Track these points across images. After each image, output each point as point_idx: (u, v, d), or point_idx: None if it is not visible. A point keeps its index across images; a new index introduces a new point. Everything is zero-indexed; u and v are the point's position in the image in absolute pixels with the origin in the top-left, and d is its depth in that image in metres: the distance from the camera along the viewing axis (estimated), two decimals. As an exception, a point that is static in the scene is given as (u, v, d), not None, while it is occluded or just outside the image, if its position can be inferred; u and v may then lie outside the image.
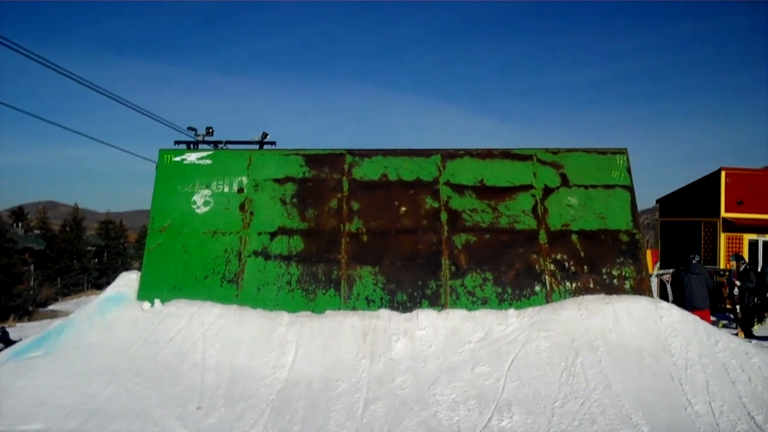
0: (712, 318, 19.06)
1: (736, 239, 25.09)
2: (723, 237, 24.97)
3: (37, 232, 69.16)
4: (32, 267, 58.04)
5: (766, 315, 20.04)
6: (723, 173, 25.05)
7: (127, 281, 12.48)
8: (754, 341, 13.64)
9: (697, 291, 16.43)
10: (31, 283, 53.63)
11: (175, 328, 11.01)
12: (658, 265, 27.39)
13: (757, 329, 19.21)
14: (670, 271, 21.99)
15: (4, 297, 43.17)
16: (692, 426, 8.72)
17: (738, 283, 19.14)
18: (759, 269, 21.12)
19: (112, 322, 11.33)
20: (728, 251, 24.69)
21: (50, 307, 50.13)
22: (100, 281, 66.30)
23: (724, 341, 10.62)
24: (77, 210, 76.95)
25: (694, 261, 16.89)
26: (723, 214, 24.91)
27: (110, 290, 12.36)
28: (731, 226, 24.69)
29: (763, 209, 25.07)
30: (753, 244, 25.19)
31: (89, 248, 73.17)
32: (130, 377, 9.83)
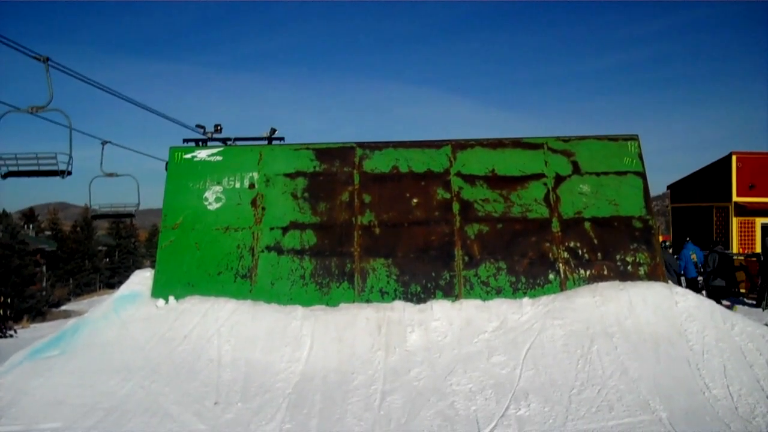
0: (727, 302, 19.08)
1: (748, 223, 25.00)
2: (735, 221, 24.89)
3: (49, 233, 69.51)
4: (44, 268, 58.33)
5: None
6: (734, 157, 24.96)
7: (141, 279, 12.51)
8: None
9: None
10: (44, 284, 53.89)
11: (190, 325, 11.03)
12: (670, 250, 27.31)
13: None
14: None
15: (18, 298, 43.38)
16: (711, 410, 8.69)
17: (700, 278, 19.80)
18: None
19: (127, 320, 11.35)
20: (741, 235, 24.61)
21: (63, 308, 50.40)
22: (112, 280, 66.67)
23: (741, 325, 10.56)
24: (88, 210, 77.35)
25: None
26: (735, 198, 24.83)
27: (124, 288, 12.39)
28: (743, 210, 24.61)
29: (775, 193, 24.96)
30: (765, 228, 25.08)
31: (100, 248, 73.54)
32: (147, 374, 9.86)
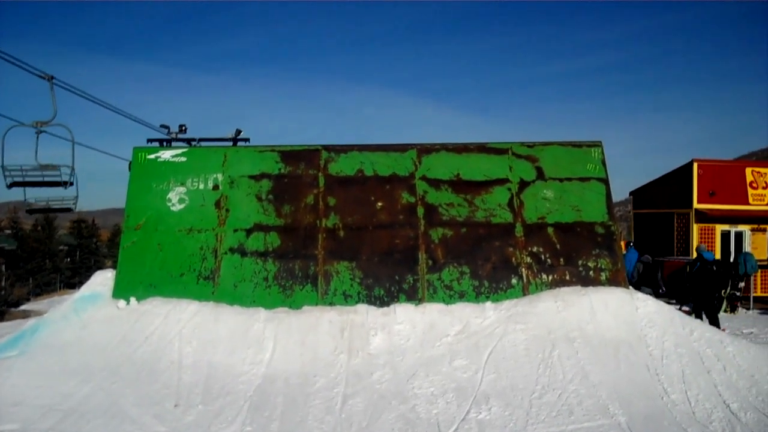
0: (686, 308, 19.33)
1: (708, 230, 25.30)
2: (695, 228, 25.16)
3: (9, 231, 68.39)
4: (3, 267, 57.45)
5: (738, 305, 20.26)
6: (695, 165, 25.23)
7: (102, 280, 12.37)
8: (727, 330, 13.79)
9: None
10: (3, 283, 53.09)
11: (151, 327, 10.94)
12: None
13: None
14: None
15: (-24, 298, 42.72)
16: (669, 415, 8.80)
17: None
18: (731, 260, 21.40)
19: (88, 321, 11.23)
20: (701, 242, 24.91)
21: (22, 307, 49.65)
22: (72, 281, 65.81)
23: (699, 331, 10.71)
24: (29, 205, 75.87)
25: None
26: (695, 205, 25.09)
27: (85, 289, 12.25)
28: (703, 217, 24.89)
29: (735, 200, 25.30)
30: (725, 235, 25.41)
31: (61, 247, 72.55)
32: (106, 376, 9.76)
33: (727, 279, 19.61)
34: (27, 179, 15.15)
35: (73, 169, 15.19)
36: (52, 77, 14.36)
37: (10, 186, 14.99)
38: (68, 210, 21.77)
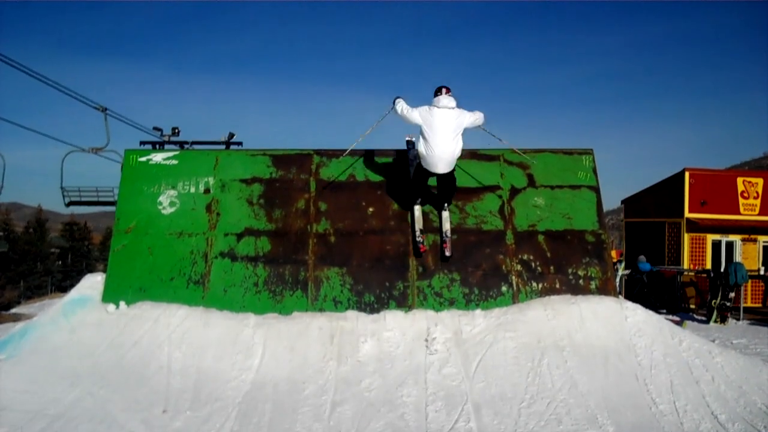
0: (676, 317, 19.40)
1: (699, 239, 25.39)
2: (687, 237, 25.25)
3: (0, 234, 68.33)
4: (-5, 269, 57.32)
5: (728, 315, 20.29)
6: (687, 174, 25.32)
7: (92, 283, 12.31)
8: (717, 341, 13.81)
9: None
10: (-6, 286, 52.93)
11: (140, 331, 10.89)
12: (623, 265, 27.67)
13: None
14: None
15: (-34, 300, 42.57)
16: (657, 425, 8.80)
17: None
18: (722, 269, 21.46)
19: (77, 325, 11.18)
20: (692, 251, 25.00)
21: (13, 310, 49.40)
22: (63, 284, 65.64)
23: (688, 341, 10.72)
24: (41, 211, 75.98)
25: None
26: (687, 214, 25.19)
27: (74, 292, 12.19)
28: (695, 226, 24.98)
29: (726, 210, 25.43)
30: (716, 245, 25.50)
31: (53, 250, 72.58)
32: (95, 381, 9.71)
33: (653, 287, 21.73)
34: (83, 199, 16.50)
35: None
36: (106, 109, 15.74)
37: (68, 205, 16.38)
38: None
